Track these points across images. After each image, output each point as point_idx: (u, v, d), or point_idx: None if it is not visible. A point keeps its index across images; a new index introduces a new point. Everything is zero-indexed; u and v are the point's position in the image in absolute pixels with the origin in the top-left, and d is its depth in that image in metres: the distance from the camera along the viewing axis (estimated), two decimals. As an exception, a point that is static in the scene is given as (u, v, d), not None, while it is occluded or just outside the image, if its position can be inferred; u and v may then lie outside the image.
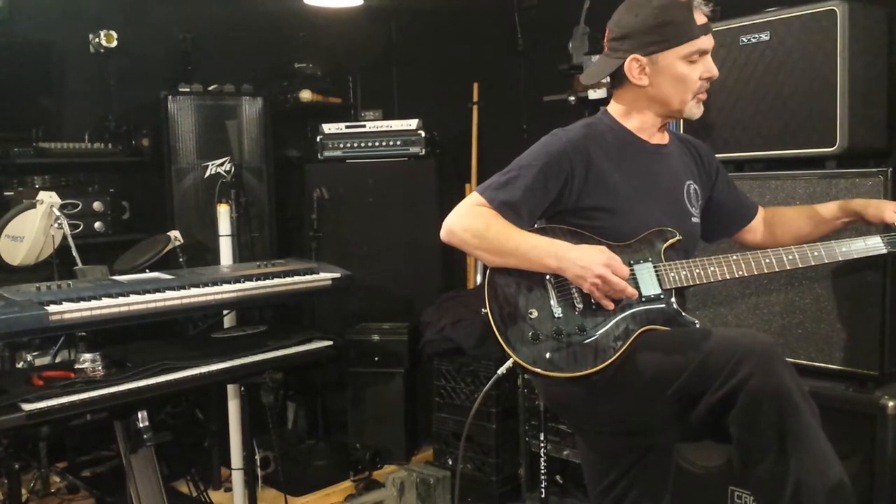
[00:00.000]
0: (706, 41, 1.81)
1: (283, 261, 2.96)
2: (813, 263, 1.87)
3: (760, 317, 2.36)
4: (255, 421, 3.00)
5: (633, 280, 1.75)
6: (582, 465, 2.08)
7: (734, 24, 2.40)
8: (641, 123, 1.90)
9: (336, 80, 4.49)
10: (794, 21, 2.28)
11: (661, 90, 1.83)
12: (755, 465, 1.54)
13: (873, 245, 1.91)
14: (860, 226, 2.04)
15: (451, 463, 3.44)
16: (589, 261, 1.69)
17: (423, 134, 3.84)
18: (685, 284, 1.80)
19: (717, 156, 2.13)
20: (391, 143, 3.86)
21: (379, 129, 3.89)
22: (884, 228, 1.95)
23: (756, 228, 2.13)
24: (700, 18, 1.79)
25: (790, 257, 1.84)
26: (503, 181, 1.80)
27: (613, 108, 1.93)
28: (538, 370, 1.70)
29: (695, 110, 1.86)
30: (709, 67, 1.82)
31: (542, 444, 2.82)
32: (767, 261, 1.83)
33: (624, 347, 1.71)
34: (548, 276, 1.76)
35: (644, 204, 1.84)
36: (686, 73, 1.80)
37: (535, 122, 3.68)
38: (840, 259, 1.89)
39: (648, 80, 1.83)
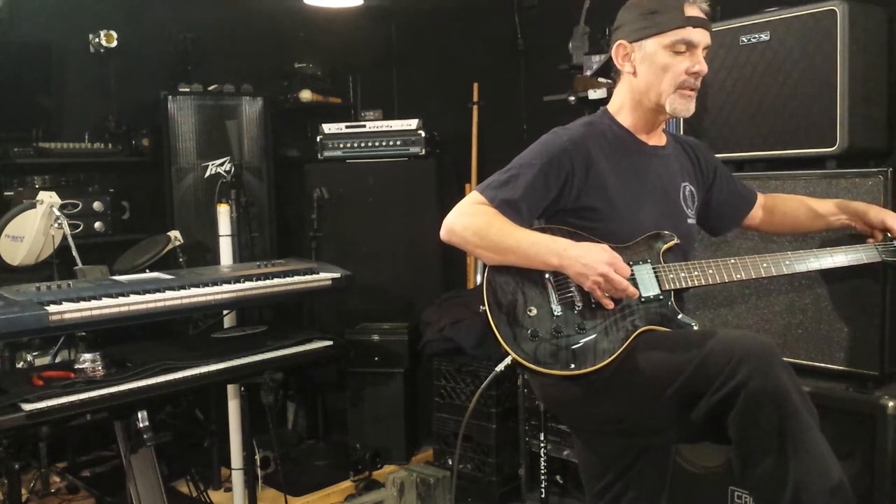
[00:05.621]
0: (694, 34, 1.77)
1: (283, 261, 2.96)
2: (809, 269, 1.89)
3: (761, 317, 2.36)
4: (255, 421, 3.00)
5: (633, 281, 1.75)
6: (579, 466, 2.08)
7: (734, 24, 2.40)
8: (636, 120, 1.89)
9: (336, 80, 4.50)
10: (794, 21, 2.28)
11: (642, 79, 1.82)
12: (754, 466, 1.54)
13: (868, 254, 1.92)
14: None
15: (451, 463, 3.43)
16: (591, 259, 1.68)
17: (423, 134, 3.84)
18: (684, 286, 1.80)
19: (717, 156, 2.13)
20: (391, 143, 3.86)
21: (379, 129, 3.89)
22: (881, 236, 1.96)
23: (755, 215, 2.13)
24: (691, 11, 1.77)
25: (787, 263, 1.85)
26: (503, 179, 1.79)
27: (611, 105, 1.93)
28: (536, 368, 1.70)
29: (680, 105, 1.81)
30: (697, 62, 1.79)
31: (542, 444, 2.82)
32: (765, 265, 1.83)
33: (623, 347, 1.70)
34: (547, 275, 1.76)
35: (640, 206, 1.84)
36: (668, 63, 1.78)
37: (535, 122, 3.68)
38: (836, 266, 1.90)
39: (632, 67, 1.83)
